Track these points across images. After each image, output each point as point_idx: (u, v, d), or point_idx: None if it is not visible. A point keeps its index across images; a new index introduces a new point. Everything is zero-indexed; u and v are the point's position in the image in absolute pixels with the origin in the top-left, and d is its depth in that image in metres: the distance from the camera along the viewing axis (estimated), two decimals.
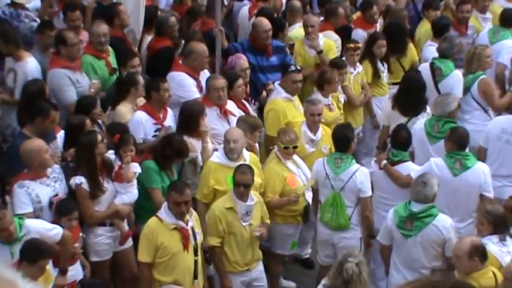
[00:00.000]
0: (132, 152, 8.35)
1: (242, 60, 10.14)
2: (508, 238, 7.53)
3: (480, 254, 7.04)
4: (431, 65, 10.80)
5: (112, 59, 10.05)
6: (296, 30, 11.61)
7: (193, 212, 7.95)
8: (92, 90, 9.51)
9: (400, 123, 9.41)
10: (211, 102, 9.38)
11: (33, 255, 6.87)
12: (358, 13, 12.72)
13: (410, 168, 8.81)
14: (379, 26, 12.19)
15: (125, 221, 8.41)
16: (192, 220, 7.81)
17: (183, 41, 10.63)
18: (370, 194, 8.78)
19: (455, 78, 10.64)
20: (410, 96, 9.98)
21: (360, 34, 11.81)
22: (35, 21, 10.46)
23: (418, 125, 9.56)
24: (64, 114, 9.06)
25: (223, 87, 9.33)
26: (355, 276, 6.93)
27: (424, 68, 10.91)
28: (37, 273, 6.86)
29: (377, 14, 12.12)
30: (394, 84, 11.37)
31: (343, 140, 8.82)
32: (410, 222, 8.01)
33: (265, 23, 10.70)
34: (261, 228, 8.22)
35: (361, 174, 8.67)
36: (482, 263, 7.05)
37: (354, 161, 8.83)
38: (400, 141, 9.02)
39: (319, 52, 10.98)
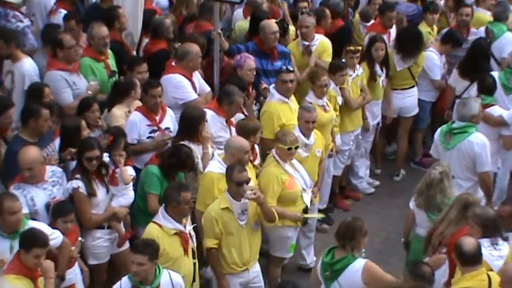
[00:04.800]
0: (123, 156, 8.36)
1: (251, 60, 10.16)
2: (500, 241, 7.47)
3: (459, 256, 7.02)
4: (486, 28, 11.97)
5: (111, 61, 10.06)
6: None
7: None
8: (89, 92, 9.51)
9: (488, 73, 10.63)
10: (222, 112, 9.40)
11: (28, 242, 6.90)
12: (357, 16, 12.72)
13: (500, 111, 10.10)
14: (394, 33, 12.12)
15: (121, 223, 8.42)
16: (190, 224, 7.87)
17: (178, 44, 10.64)
18: None
19: (506, 39, 11.74)
20: (474, 61, 11.10)
21: None
22: (22, 22, 10.47)
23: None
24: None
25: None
26: (435, 181, 8.22)
27: (480, 32, 12.04)
28: (33, 262, 6.88)
29: (395, 17, 12.08)
30: (403, 89, 11.66)
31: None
32: (449, 136, 9.27)
33: (273, 25, 10.72)
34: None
35: None
36: (464, 265, 7.01)
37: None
38: (487, 87, 10.25)
39: (309, 54, 10.97)
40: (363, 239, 7.39)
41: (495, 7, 12.19)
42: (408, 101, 11.74)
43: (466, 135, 9.21)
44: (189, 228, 7.82)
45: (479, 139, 9.21)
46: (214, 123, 9.26)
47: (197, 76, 10.03)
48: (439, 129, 9.54)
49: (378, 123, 11.67)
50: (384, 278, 7.29)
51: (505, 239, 7.52)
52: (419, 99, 11.85)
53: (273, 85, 9.97)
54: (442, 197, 8.25)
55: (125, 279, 7.12)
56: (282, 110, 9.71)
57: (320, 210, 10.24)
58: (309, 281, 7.84)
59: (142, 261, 6.91)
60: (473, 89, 10.87)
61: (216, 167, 8.53)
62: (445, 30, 12.32)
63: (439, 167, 8.38)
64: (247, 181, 8.04)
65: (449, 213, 7.90)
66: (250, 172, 8.54)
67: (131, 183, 8.41)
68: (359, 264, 7.30)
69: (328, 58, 11.04)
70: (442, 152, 9.37)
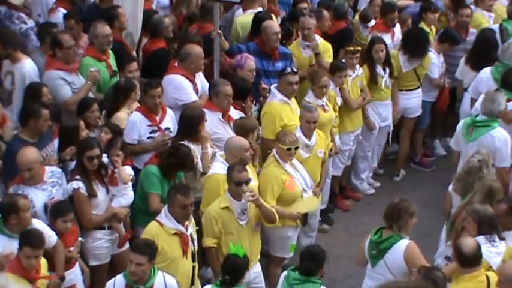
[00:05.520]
0: (119, 156, 8.37)
1: (251, 61, 10.20)
2: (496, 239, 7.48)
3: (459, 257, 7.03)
4: (500, 25, 11.99)
5: (112, 61, 10.06)
6: (245, 16, 11.57)
7: (192, 218, 7.94)
8: (89, 82, 9.48)
9: None
10: (215, 107, 9.40)
11: (21, 241, 6.96)
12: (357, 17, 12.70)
13: None
14: (398, 32, 12.13)
15: (121, 223, 8.43)
16: (192, 226, 7.84)
17: (176, 45, 10.67)
18: None
19: None
20: (481, 53, 11.18)
21: None
22: (25, 23, 10.47)
23: (484, 73, 10.78)
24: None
25: (231, 93, 9.39)
26: (474, 169, 8.44)
27: (494, 29, 11.95)
28: (25, 262, 6.90)
29: (397, 18, 12.10)
30: (408, 90, 11.65)
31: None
32: (472, 129, 9.40)
33: (275, 25, 10.76)
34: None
35: None
36: (463, 266, 7.03)
37: None
38: (510, 82, 10.16)
39: (317, 54, 10.97)
40: (410, 219, 7.61)
41: (509, 5, 12.25)
42: (413, 101, 11.76)
43: (488, 129, 9.34)
44: (190, 230, 7.78)
45: (501, 134, 9.35)
46: (210, 120, 9.24)
47: (200, 77, 10.03)
48: (462, 121, 9.73)
49: (389, 126, 11.60)
50: (422, 262, 7.43)
51: (502, 239, 7.52)
52: None
53: (275, 85, 9.96)
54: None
55: (119, 277, 7.13)
56: (283, 110, 9.72)
57: (321, 211, 10.25)
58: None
59: (141, 262, 6.92)
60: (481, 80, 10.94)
61: (220, 168, 8.53)
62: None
63: (478, 155, 8.58)
64: (247, 181, 8.04)
65: (474, 199, 8.04)
66: (251, 171, 8.57)
67: (130, 183, 8.42)
68: (404, 244, 7.54)
69: (329, 59, 11.04)
70: (463, 144, 9.51)
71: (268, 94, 10.08)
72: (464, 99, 11.38)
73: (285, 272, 7.53)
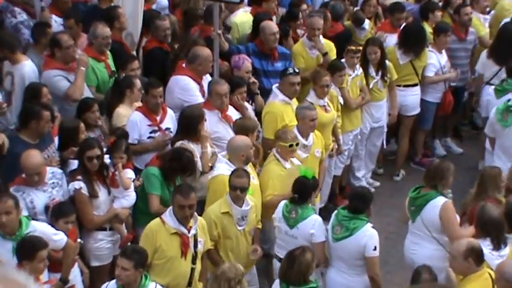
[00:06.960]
0: (123, 159, 8.37)
1: (249, 62, 10.26)
2: (497, 243, 7.49)
3: (476, 255, 7.02)
4: None
5: (110, 62, 10.06)
6: (240, 16, 11.65)
7: (199, 218, 7.89)
8: (82, 68, 9.38)
9: None
10: (213, 106, 9.41)
11: (29, 250, 6.90)
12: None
13: None
14: None
15: (123, 224, 8.42)
16: (196, 228, 7.76)
17: (176, 45, 10.69)
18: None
19: None
20: (504, 45, 11.23)
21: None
22: (15, 17, 10.46)
23: None
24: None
25: (226, 93, 9.38)
26: None
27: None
28: (39, 267, 6.89)
29: (404, 18, 12.11)
30: (405, 86, 11.64)
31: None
32: (507, 114, 9.71)
33: (273, 25, 10.82)
34: (255, 248, 8.26)
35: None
36: (478, 264, 7.03)
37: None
38: None
39: (325, 54, 10.98)
40: (451, 177, 8.25)
41: None
42: (410, 99, 11.75)
43: None
44: (193, 232, 7.73)
45: None
46: (209, 119, 9.26)
47: (207, 80, 10.01)
48: (494, 108, 9.98)
49: (383, 127, 11.58)
50: (454, 222, 8.00)
51: (494, 247, 7.51)
52: (424, 100, 11.87)
53: (276, 85, 9.99)
54: None
55: (112, 282, 7.13)
56: (285, 110, 9.75)
57: (320, 210, 10.26)
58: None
59: (126, 267, 6.88)
60: (504, 74, 10.99)
61: (225, 169, 8.52)
62: None
63: None
64: (242, 188, 8.04)
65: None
66: (252, 170, 8.59)
67: (132, 186, 8.41)
68: (441, 201, 8.09)
69: (333, 59, 11.04)
70: (499, 130, 9.80)
71: (257, 90, 10.17)
72: (484, 92, 11.40)
73: (336, 211, 8.16)
